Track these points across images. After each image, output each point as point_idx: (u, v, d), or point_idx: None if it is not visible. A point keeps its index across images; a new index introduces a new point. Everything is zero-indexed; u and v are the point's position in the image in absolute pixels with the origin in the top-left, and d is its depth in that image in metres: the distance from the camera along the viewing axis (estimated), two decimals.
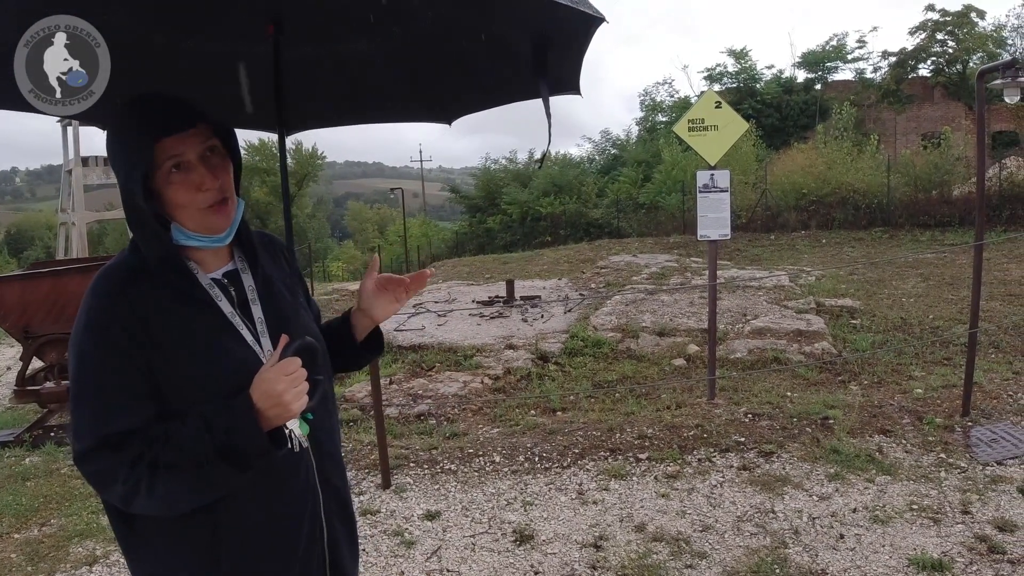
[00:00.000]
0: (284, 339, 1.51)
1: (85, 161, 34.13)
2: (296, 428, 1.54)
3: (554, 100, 2.01)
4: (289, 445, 1.50)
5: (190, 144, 1.49)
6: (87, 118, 2.04)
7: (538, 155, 40.81)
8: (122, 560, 4.28)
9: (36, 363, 7.53)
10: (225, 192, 1.54)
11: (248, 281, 1.64)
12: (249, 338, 1.57)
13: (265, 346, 1.58)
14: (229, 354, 1.52)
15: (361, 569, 1.83)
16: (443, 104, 2.47)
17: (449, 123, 2.56)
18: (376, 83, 2.24)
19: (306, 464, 1.61)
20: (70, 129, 33.91)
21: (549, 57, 1.84)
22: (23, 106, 1.58)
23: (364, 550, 4.19)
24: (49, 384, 7.25)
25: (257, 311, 1.61)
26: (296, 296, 1.76)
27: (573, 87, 2.04)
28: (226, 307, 1.57)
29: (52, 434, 6.81)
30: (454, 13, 1.83)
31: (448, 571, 4.00)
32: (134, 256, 1.53)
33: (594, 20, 1.77)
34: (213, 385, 1.47)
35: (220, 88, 1.94)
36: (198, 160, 1.51)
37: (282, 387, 1.42)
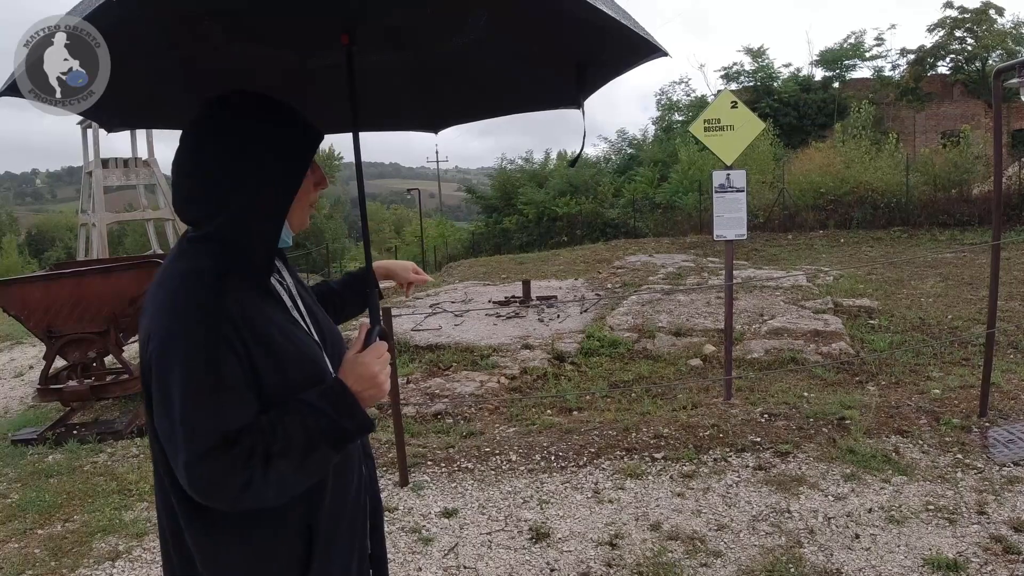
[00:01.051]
0: (364, 325, 1.61)
1: (105, 163, 34.47)
2: None
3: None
4: (377, 422, 1.61)
5: None
6: (123, 127, 2.13)
7: (557, 156, 40.84)
8: (145, 555, 4.38)
9: (59, 362, 7.64)
10: None
11: (288, 279, 1.74)
12: (311, 330, 1.68)
13: (315, 337, 1.69)
14: (305, 343, 1.61)
15: None
16: (442, 114, 2.53)
17: (436, 131, 2.64)
18: (399, 92, 2.29)
19: (358, 445, 1.74)
20: (90, 131, 34.26)
21: (590, 75, 1.89)
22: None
23: None
24: (72, 383, 7.36)
25: (301, 306, 1.71)
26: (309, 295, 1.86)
27: (578, 103, 2.10)
28: (288, 302, 1.66)
29: (74, 432, 6.91)
30: (508, 33, 1.87)
31: (465, 568, 4.04)
32: (218, 256, 1.52)
33: (656, 52, 1.79)
34: (300, 373, 1.54)
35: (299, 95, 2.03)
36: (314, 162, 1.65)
37: (377, 369, 1.54)
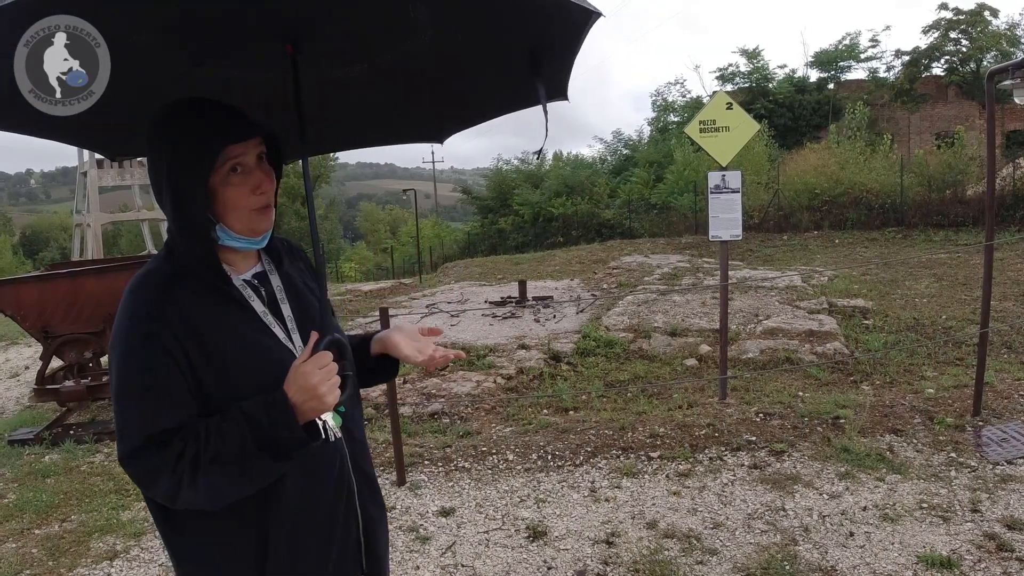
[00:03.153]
0: (314, 335, 1.55)
1: (100, 163, 34.35)
2: (330, 420, 1.62)
3: (560, 103, 2.03)
4: (324, 437, 1.56)
5: (250, 149, 1.57)
6: (121, 154, 2.10)
7: (553, 157, 40.77)
8: (142, 555, 4.39)
9: (56, 362, 7.64)
10: (270, 197, 1.62)
11: (276, 281, 1.71)
12: (282, 335, 1.65)
13: (296, 343, 1.66)
14: (267, 351, 1.59)
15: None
16: (435, 124, 2.44)
17: (441, 142, 2.53)
18: (370, 106, 2.26)
19: (341, 454, 1.69)
20: None
21: (544, 59, 1.84)
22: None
23: None
24: (68, 383, 7.37)
25: (287, 309, 1.69)
26: (316, 296, 1.82)
27: (562, 94, 2.02)
28: (258, 306, 1.64)
29: (71, 432, 6.91)
30: (454, 24, 1.84)
31: (462, 566, 4.06)
32: (170, 261, 1.58)
33: (592, 15, 1.76)
34: (254, 381, 1.52)
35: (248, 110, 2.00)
36: (256, 164, 1.60)
37: (316, 380, 1.48)
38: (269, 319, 1.64)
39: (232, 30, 1.61)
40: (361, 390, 1.91)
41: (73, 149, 35.41)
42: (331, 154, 53.99)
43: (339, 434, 1.68)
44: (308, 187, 1.73)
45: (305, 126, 1.66)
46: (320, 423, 1.58)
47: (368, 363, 1.90)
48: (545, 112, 1.78)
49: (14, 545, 4.64)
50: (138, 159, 35.57)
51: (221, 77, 1.83)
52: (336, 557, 1.70)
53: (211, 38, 1.62)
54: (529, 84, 1.85)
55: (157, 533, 4.60)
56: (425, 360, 1.87)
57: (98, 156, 33.66)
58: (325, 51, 1.80)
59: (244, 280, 1.65)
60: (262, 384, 1.51)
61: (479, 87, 2.22)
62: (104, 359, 8.01)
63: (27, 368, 10.45)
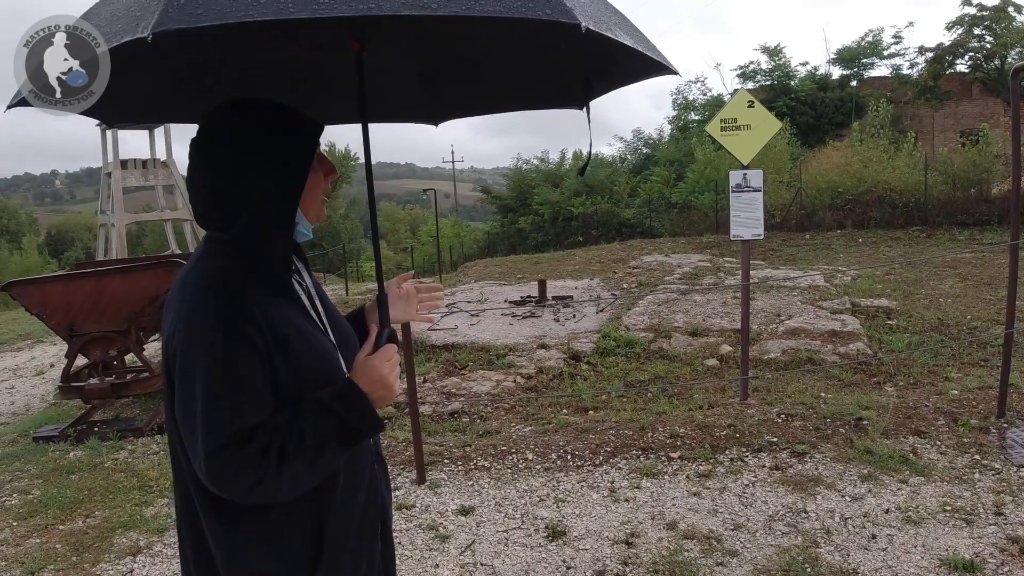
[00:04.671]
0: (374, 328, 1.64)
1: (124, 164, 34.73)
2: None
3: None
4: (386, 423, 1.63)
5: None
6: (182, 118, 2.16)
7: (573, 156, 40.73)
8: (165, 551, 4.43)
9: (80, 360, 7.73)
10: None
11: (307, 279, 1.76)
12: (328, 330, 1.71)
13: (331, 337, 1.71)
14: (323, 344, 1.64)
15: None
16: (443, 108, 2.53)
17: (436, 124, 2.63)
18: (393, 87, 2.31)
19: (373, 438, 1.77)
20: (109, 133, 34.54)
21: (595, 85, 1.90)
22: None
23: (400, 543, 4.27)
24: (92, 381, 7.46)
25: (319, 306, 1.74)
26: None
27: (582, 104, 2.10)
28: (306, 301, 1.69)
29: (96, 429, 6.99)
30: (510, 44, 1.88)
31: (482, 565, 4.07)
32: (240, 257, 1.58)
33: (665, 70, 1.81)
34: (316, 374, 1.57)
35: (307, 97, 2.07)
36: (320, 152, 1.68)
37: (386, 371, 1.56)
38: (314, 314, 1.69)
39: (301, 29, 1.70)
40: None
41: (98, 151, 35.77)
42: (351, 154, 54.24)
43: None
44: (369, 171, 1.79)
45: (366, 115, 1.73)
46: None
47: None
48: (590, 129, 1.87)
49: (38, 541, 4.70)
50: (162, 160, 35.75)
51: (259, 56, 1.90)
52: (372, 542, 1.77)
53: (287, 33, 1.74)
54: (571, 95, 1.91)
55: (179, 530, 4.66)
56: (404, 314, 1.95)
57: (122, 157, 34.04)
58: (382, 47, 1.85)
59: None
60: (322, 375, 1.56)
61: (509, 83, 2.28)
62: (128, 357, 8.10)
63: (52, 366, 10.58)
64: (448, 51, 2.03)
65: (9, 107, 1.58)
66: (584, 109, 2.00)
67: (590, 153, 1.85)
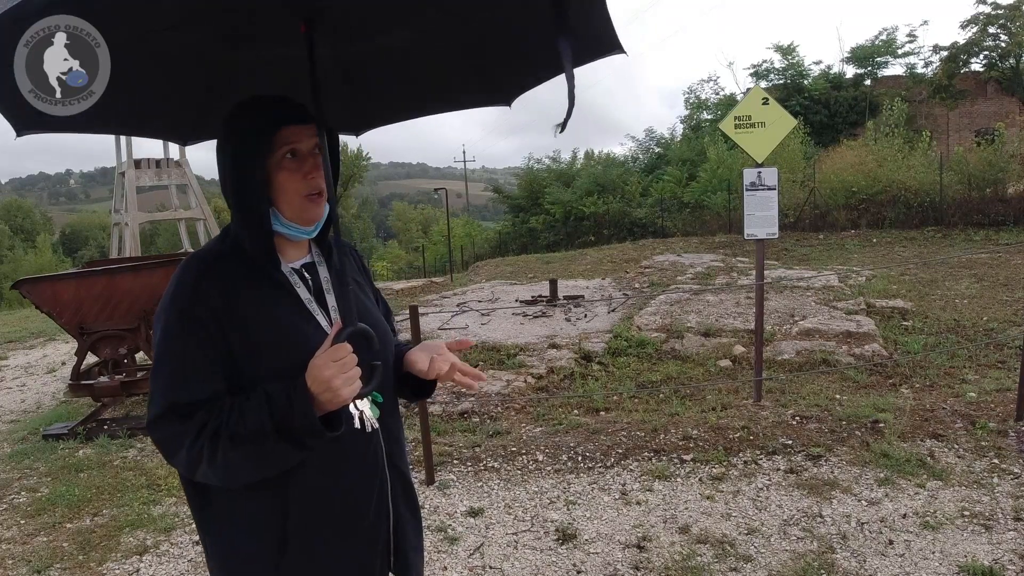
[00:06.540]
0: (335, 327, 1.58)
1: (138, 164, 34.89)
2: (367, 410, 1.64)
3: (591, 101, 1.94)
4: (341, 430, 1.55)
5: (305, 135, 1.63)
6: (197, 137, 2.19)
7: (584, 156, 40.56)
8: (172, 550, 4.41)
9: (91, 358, 7.74)
10: (321, 188, 1.66)
11: (323, 272, 1.75)
12: (324, 324, 1.67)
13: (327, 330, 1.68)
14: (305, 337, 1.61)
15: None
16: (498, 85, 2.23)
17: (509, 104, 2.31)
18: (425, 72, 2.18)
19: (375, 446, 1.71)
20: None
21: (571, 11, 1.70)
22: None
23: None
24: (103, 378, 7.46)
25: (331, 300, 1.72)
26: (366, 293, 1.88)
27: (616, 46, 1.80)
28: (303, 294, 1.68)
29: (105, 427, 6.99)
30: None
31: (491, 568, 4.02)
32: (221, 243, 1.66)
33: (615, 49, 1.73)
34: (287, 365, 1.54)
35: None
36: (309, 152, 1.65)
37: (330, 373, 1.48)
38: (313, 307, 1.68)
39: (248, 12, 1.67)
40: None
41: (112, 151, 35.95)
42: (364, 154, 54.39)
43: (376, 425, 1.69)
44: (326, 163, 1.70)
45: (321, 104, 1.68)
46: (357, 413, 1.62)
47: (403, 381, 1.90)
48: (569, 72, 1.60)
49: (45, 539, 4.68)
50: (175, 160, 36.01)
51: (251, 62, 1.88)
52: (361, 552, 1.71)
53: (237, 23, 1.69)
54: (555, 40, 1.68)
55: (187, 528, 4.64)
56: (435, 372, 1.83)
57: (136, 157, 34.21)
58: (346, 25, 1.79)
59: (292, 268, 1.70)
60: (297, 370, 1.52)
61: (539, 42, 2.04)
62: (139, 355, 8.11)
63: (63, 364, 10.63)
64: (386, 43, 1.94)
65: (18, 135, 1.63)
66: (561, 47, 1.76)
67: (572, 102, 1.65)
